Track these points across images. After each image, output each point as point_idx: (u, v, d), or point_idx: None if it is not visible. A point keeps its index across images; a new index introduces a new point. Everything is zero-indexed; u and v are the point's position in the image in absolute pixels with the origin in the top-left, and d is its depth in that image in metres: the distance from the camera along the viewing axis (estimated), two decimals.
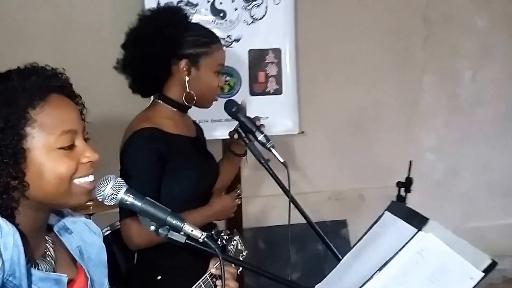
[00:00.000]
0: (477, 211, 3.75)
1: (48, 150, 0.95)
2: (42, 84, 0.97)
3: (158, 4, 2.60)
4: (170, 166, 1.65)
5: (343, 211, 3.48)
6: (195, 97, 1.70)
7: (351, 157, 3.53)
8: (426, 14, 3.47)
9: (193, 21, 1.96)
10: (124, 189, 1.03)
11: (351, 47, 3.41)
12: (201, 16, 2.67)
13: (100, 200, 1.04)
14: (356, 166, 3.52)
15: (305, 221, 3.32)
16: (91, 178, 1.01)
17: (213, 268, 1.26)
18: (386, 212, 1.22)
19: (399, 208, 1.20)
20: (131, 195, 1.03)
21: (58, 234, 1.10)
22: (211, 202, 1.75)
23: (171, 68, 1.68)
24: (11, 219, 0.94)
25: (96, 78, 2.75)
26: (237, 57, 2.73)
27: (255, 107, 2.74)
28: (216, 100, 1.78)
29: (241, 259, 1.76)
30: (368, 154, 3.55)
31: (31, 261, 0.97)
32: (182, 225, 1.03)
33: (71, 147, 0.98)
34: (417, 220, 1.10)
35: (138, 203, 1.03)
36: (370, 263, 1.07)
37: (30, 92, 0.95)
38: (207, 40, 1.71)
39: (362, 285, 0.99)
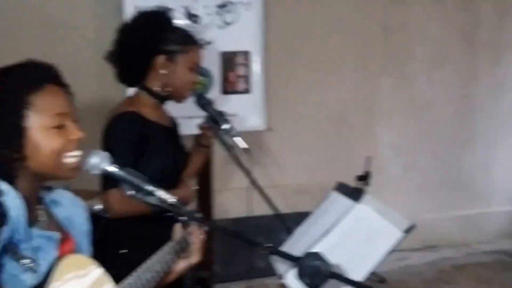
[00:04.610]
0: (431, 203, 4.05)
1: (43, 129, 1.15)
2: (40, 75, 1.19)
3: (136, 8, 2.79)
4: (147, 148, 1.85)
5: (310, 203, 3.70)
6: (169, 89, 1.90)
7: (317, 152, 3.75)
8: (384, 22, 3.74)
9: None
10: (109, 160, 1.24)
11: (316, 50, 3.64)
12: (175, 20, 2.87)
13: (88, 169, 1.22)
14: (322, 161, 3.74)
15: (273, 213, 3.56)
16: (79, 152, 1.21)
17: (179, 232, 1.36)
18: (332, 191, 1.48)
19: (343, 187, 1.45)
20: (114, 166, 1.24)
21: (48, 206, 1.27)
22: (180, 188, 1.95)
23: (152, 62, 1.89)
24: (13, 185, 1.13)
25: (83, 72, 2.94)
26: (209, 58, 2.93)
27: (226, 105, 2.98)
28: (189, 96, 1.99)
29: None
30: (332, 150, 3.78)
31: (28, 221, 1.15)
32: (155, 190, 1.24)
33: (62, 127, 1.18)
34: (356, 195, 1.35)
35: (120, 172, 1.24)
36: (321, 230, 1.32)
37: (30, 81, 1.17)
38: (186, 40, 1.93)
39: (313, 246, 1.23)
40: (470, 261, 3.88)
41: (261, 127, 3.12)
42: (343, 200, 1.39)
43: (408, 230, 1.29)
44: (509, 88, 4.02)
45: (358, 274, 1.29)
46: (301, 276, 1.14)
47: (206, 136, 2.03)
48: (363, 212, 1.31)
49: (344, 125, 3.80)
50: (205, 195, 3.04)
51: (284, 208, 3.63)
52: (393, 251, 4.36)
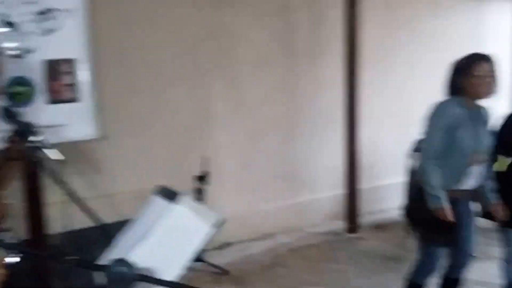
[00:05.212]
0: (266, 195, 4.41)
1: None
2: None
3: None
4: None
5: None
6: None
7: (156, 157, 3.82)
8: (212, 28, 3.95)
9: None
10: None
11: (150, 56, 3.71)
12: None
13: None
14: (161, 165, 3.82)
15: (119, 220, 3.53)
16: None
17: None
18: (152, 195, 1.56)
19: (162, 190, 1.55)
20: None
21: None
22: None
23: None
24: None
25: None
26: (32, 67, 2.84)
27: (53, 115, 2.90)
28: None
29: None
30: (171, 154, 3.89)
31: None
32: None
33: None
34: (173, 196, 1.46)
35: None
36: (140, 234, 1.41)
37: None
38: None
39: (131, 251, 1.32)
40: (302, 243, 4.31)
41: (94, 136, 3.08)
42: (161, 203, 1.49)
43: (218, 225, 1.45)
44: (326, 88, 4.52)
45: (172, 273, 1.40)
46: (110, 284, 1.20)
47: (15, 149, 1.97)
48: (179, 212, 1.42)
49: (181, 128, 3.92)
50: (34, 210, 2.91)
51: (122, 216, 3.66)
52: (232, 244, 4.56)
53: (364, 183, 4.57)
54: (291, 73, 4.37)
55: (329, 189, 4.65)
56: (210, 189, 3.74)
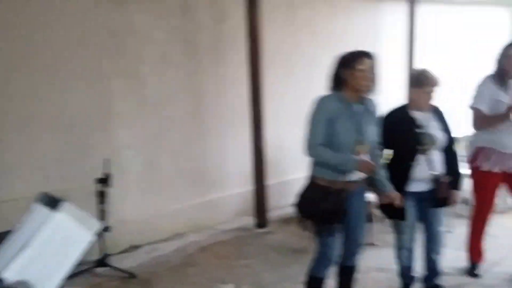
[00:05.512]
0: (175, 195, 4.37)
1: None
2: None
3: None
4: None
5: None
6: None
7: (53, 160, 3.64)
8: (110, 26, 3.81)
9: None
10: None
11: (43, 55, 3.52)
12: None
13: None
14: (58, 168, 3.65)
15: (1, 231, 3.31)
16: None
17: None
18: (33, 203, 1.49)
19: (44, 197, 1.48)
20: None
21: None
22: None
23: None
24: None
25: None
26: None
27: None
28: None
29: None
30: (69, 156, 3.72)
31: None
32: None
33: None
34: (54, 204, 1.41)
35: None
36: (20, 245, 1.34)
37: None
38: None
39: (10, 264, 1.25)
40: (212, 241, 4.33)
41: None
42: (42, 211, 1.43)
43: (102, 232, 1.42)
44: (231, 87, 4.56)
45: (52, 284, 1.35)
46: None
47: None
48: (60, 220, 1.38)
49: (80, 129, 3.77)
50: None
51: (10, 226, 3.45)
52: (139, 246, 4.45)
53: (272, 179, 4.67)
54: (195, 72, 4.35)
55: (238, 186, 4.71)
56: (114, 191, 3.64)
